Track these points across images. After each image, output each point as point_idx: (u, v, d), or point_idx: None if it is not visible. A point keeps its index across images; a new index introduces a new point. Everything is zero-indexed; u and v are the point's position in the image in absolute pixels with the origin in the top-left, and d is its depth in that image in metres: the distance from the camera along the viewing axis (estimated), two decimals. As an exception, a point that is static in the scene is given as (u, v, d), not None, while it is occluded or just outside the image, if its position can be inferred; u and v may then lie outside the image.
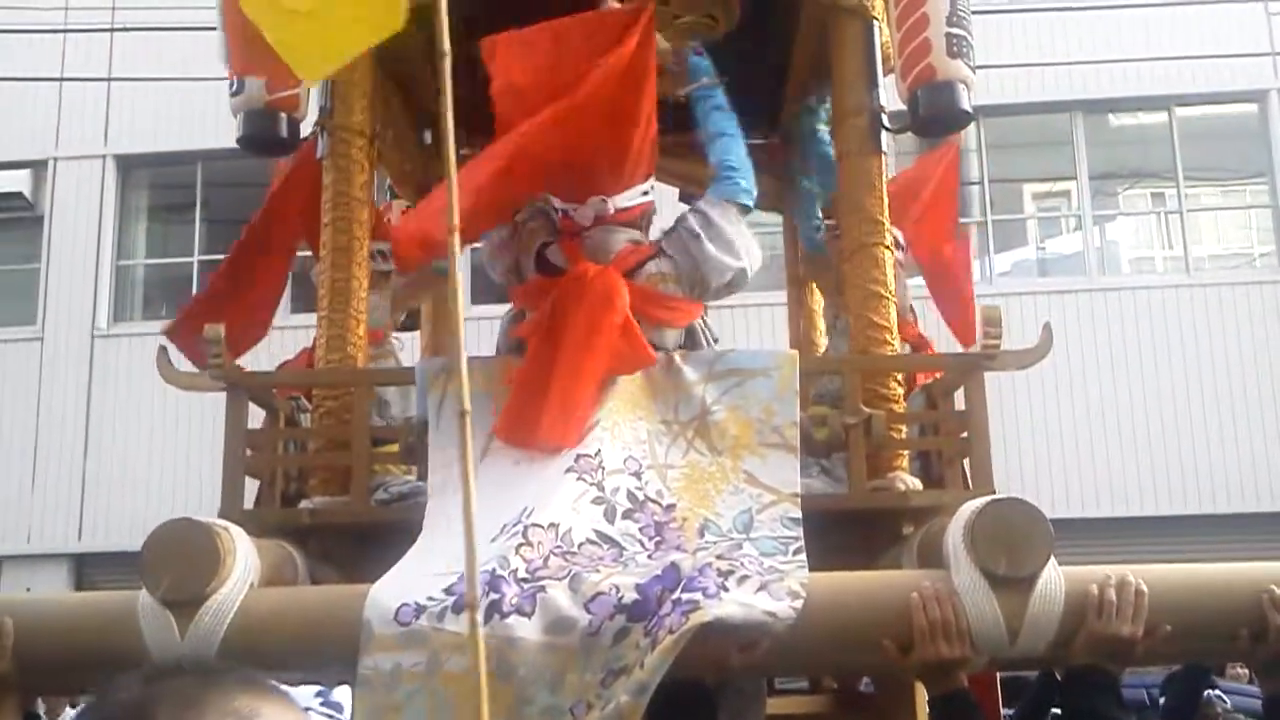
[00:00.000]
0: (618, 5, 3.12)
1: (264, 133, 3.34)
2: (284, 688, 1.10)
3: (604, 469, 2.75)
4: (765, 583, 2.43)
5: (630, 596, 2.37)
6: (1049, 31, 11.56)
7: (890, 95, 3.29)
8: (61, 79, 11.72)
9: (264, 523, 2.97)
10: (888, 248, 3.22)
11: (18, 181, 12.08)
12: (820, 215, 4.30)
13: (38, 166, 12.19)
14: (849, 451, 3.01)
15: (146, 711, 1.02)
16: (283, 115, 3.32)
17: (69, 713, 5.81)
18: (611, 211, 3.07)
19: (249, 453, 3.10)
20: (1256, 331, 11.22)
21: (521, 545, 2.50)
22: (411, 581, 2.50)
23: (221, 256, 4.80)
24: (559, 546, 2.55)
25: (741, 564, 2.51)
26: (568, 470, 2.73)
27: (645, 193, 3.16)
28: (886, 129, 3.26)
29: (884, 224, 3.21)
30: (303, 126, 3.43)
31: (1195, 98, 11.81)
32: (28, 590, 10.07)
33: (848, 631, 2.44)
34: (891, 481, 3.02)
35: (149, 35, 11.07)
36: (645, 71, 2.97)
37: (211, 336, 3.01)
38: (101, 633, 2.49)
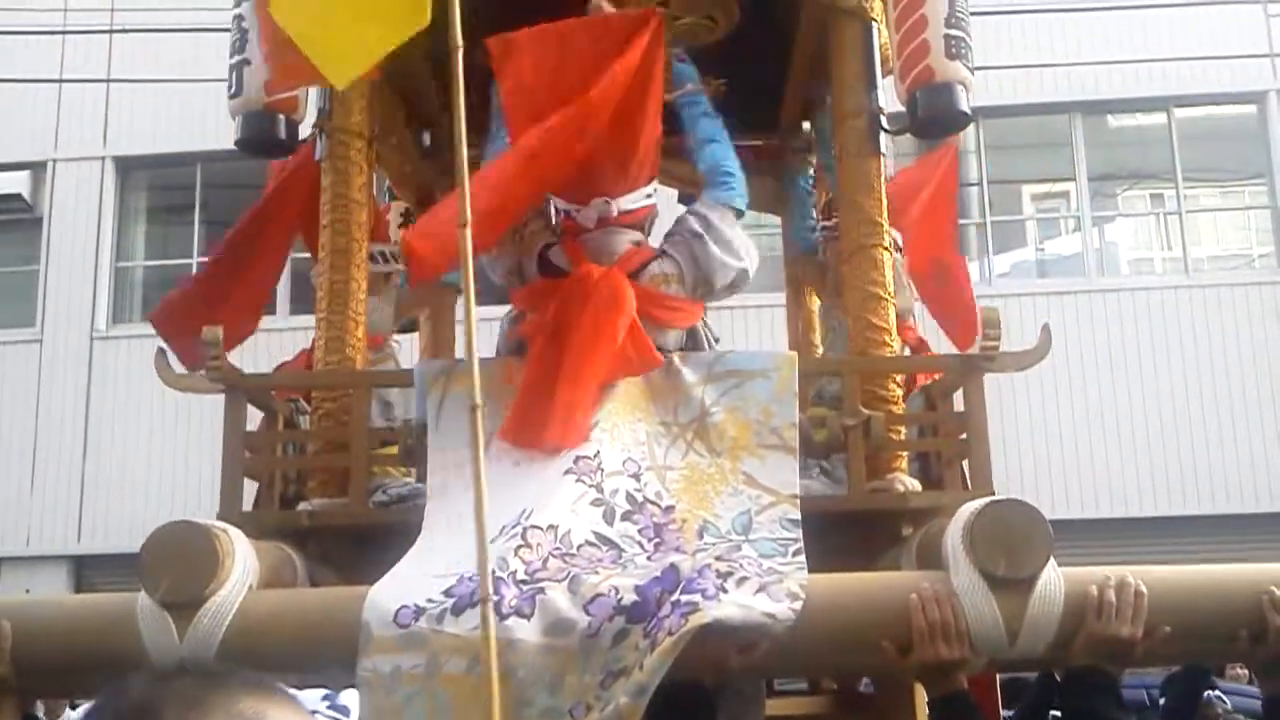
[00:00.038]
0: (609, 8, 3.12)
1: (263, 134, 3.33)
2: (290, 690, 1.10)
3: (603, 470, 2.75)
4: (764, 584, 2.43)
5: (629, 598, 2.37)
6: (1048, 32, 11.56)
7: (889, 97, 3.29)
8: (60, 80, 11.72)
9: (263, 525, 2.97)
10: (886, 249, 3.22)
11: (17, 183, 12.07)
12: (815, 216, 4.31)
13: (37, 168, 12.18)
14: (848, 453, 3.01)
15: (152, 712, 1.02)
16: (281, 117, 3.32)
17: (69, 714, 5.80)
18: (615, 214, 3.08)
19: (247, 455, 3.10)
20: (1255, 332, 11.22)
21: (520, 547, 2.50)
22: (410, 583, 2.50)
23: (222, 259, 4.79)
24: (558, 548, 2.55)
25: (740, 565, 2.51)
26: (566, 472, 2.72)
27: (648, 195, 3.17)
28: (885, 130, 3.26)
29: (883, 225, 3.21)
30: (301, 128, 3.43)
31: (1194, 99, 11.81)
32: (27, 592, 10.07)
33: (847, 633, 2.44)
34: (890, 483, 3.03)
35: (148, 37, 11.07)
36: (653, 75, 2.99)
37: (210, 339, 3.00)
38: (100, 635, 2.49)
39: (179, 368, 3.55)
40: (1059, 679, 2.73)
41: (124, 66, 11.54)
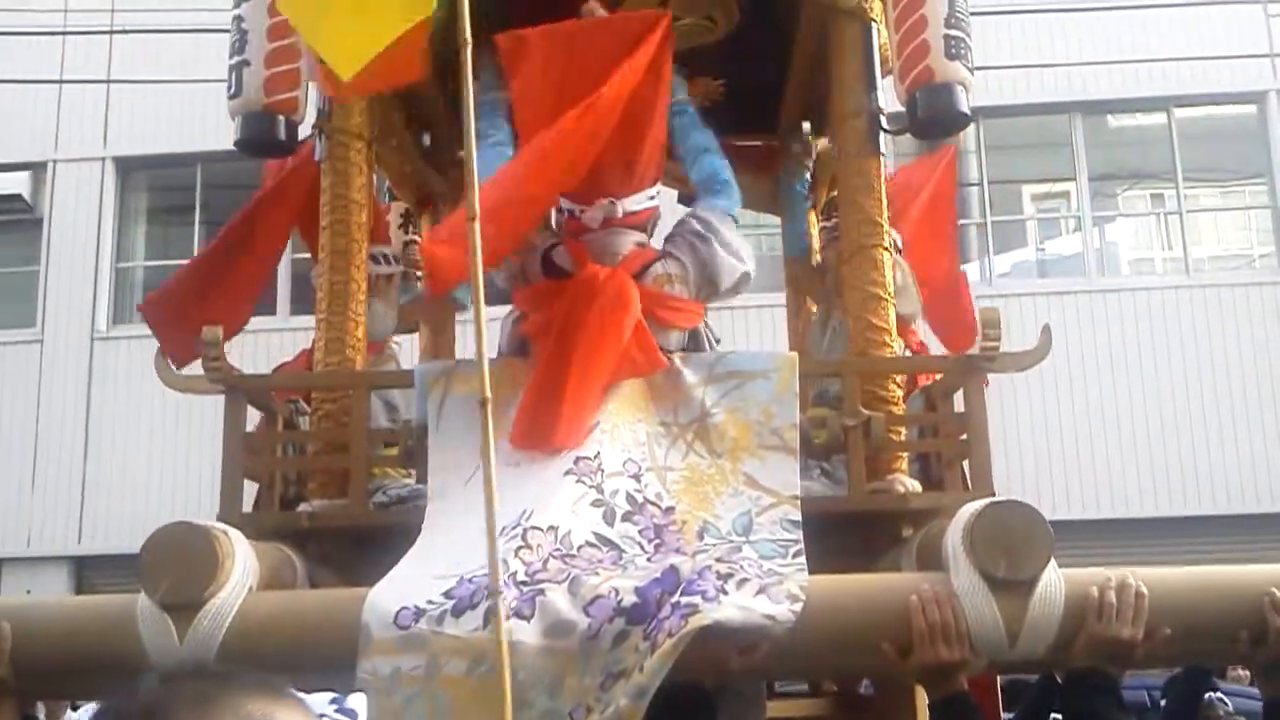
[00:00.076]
0: (602, 12, 3.12)
1: (262, 135, 3.32)
2: (298, 693, 1.10)
3: (603, 471, 2.74)
4: (764, 585, 2.42)
5: (629, 599, 2.36)
6: (1048, 33, 11.56)
7: (889, 97, 3.29)
8: (61, 81, 11.72)
9: (262, 526, 2.97)
10: (886, 249, 3.22)
11: (17, 183, 12.08)
12: (809, 221, 4.31)
13: (37, 168, 12.19)
14: (848, 454, 3.00)
15: (160, 714, 1.02)
16: (281, 118, 3.30)
17: (70, 716, 5.79)
18: (620, 215, 3.09)
19: (248, 455, 3.10)
20: (1256, 332, 11.22)
21: (520, 548, 2.50)
22: (410, 585, 2.50)
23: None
24: (558, 549, 2.54)
25: (741, 567, 2.50)
26: (567, 472, 2.72)
27: (652, 197, 3.19)
28: (885, 131, 3.26)
29: (883, 226, 3.21)
30: (301, 129, 3.42)
31: (1194, 99, 11.81)
32: (28, 592, 10.07)
33: (847, 634, 2.44)
34: (891, 484, 3.02)
35: (148, 37, 11.07)
36: (661, 76, 2.99)
37: (210, 339, 3.00)
38: (100, 637, 2.49)
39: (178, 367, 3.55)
40: (1060, 681, 2.73)
41: (124, 67, 11.55)
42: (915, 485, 3.07)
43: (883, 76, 3.31)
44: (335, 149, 3.30)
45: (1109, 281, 11.69)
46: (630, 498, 2.73)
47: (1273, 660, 2.43)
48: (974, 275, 11.28)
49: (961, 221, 10.19)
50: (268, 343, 8.30)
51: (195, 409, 9.04)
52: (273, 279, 10.63)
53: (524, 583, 2.42)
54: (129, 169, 12.41)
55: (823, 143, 4.13)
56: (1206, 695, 4.99)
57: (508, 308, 3.31)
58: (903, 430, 3.13)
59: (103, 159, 12.16)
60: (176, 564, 2.44)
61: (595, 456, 2.76)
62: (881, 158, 3.26)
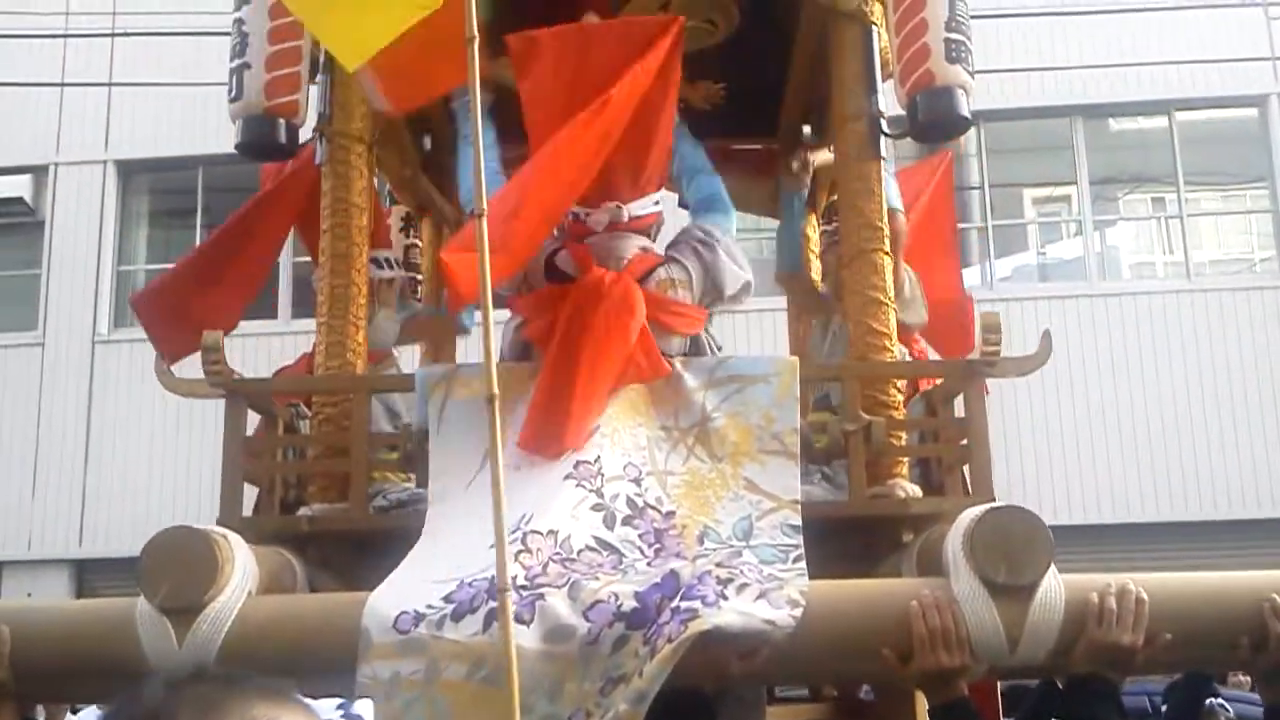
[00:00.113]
0: (595, 18, 3.13)
1: (263, 138, 3.33)
2: (304, 698, 1.10)
3: (603, 475, 2.74)
4: (765, 590, 2.42)
5: (629, 604, 2.36)
6: (1049, 36, 11.56)
7: (889, 101, 3.29)
8: (62, 84, 11.74)
9: (262, 530, 2.97)
10: (887, 254, 3.21)
11: (18, 187, 12.08)
12: (805, 235, 4.30)
13: (39, 171, 12.19)
14: (849, 458, 3.00)
15: (167, 716, 1.02)
16: (281, 121, 3.31)
17: (70, 719, 5.78)
18: (626, 219, 3.09)
19: (248, 459, 3.10)
20: (1257, 337, 11.21)
21: (520, 552, 2.49)
22: (410, 589, 2.49)
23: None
24: (558, 553, 2.54)
25: (741, 572, 2.50)
26: (567, 477, 2.72)
27: (656, 202, 3.20)
28: (885, 134, 3.25)
29: (883, 230, 3.21)
30: (302, 132, 3.43)
31: (1195, 102, 11.81)
32: (29, 596, 10.07)
33: (847, 640, 2.44)
34: (891, 488, 3.01)
35: (150, 40, 11.08)
36: (671, 81, 2.99)
37: (210, 343, 3.00)
38: (99, 640, 2.49)
39: (178, 370, 3.55)
40: (1060, 686, 2.73)
41: (126, 70, 11.55)
42: (916, 490, 3.07)
43: (883, 80, 3.31)
44: (336, 152, 3.30)
45: (1110, 285, 11.68)
46: (630, 502, 2.73)
47: (1273, 666, 2.43)
48: (975, 279, 11.28)
49: (962, 225, 10.19)
50: (268, 346, 8.31)
51: (196, 413, 9.05)
52: (273, 282, 10.68)
53: (524, 587, 2.42)
54: (130, 172, 12.42)
55: (822, 155, 4.12)
56: (1207, 701, 4.98)
57: (503, 314, 3.31)
58: (903, 435, 3.12)
59: (104, 162, 12.16)
60: (176, 568, 2.44)
61: (595, 460, 2.75)
62: (882, 161, 3.26)
